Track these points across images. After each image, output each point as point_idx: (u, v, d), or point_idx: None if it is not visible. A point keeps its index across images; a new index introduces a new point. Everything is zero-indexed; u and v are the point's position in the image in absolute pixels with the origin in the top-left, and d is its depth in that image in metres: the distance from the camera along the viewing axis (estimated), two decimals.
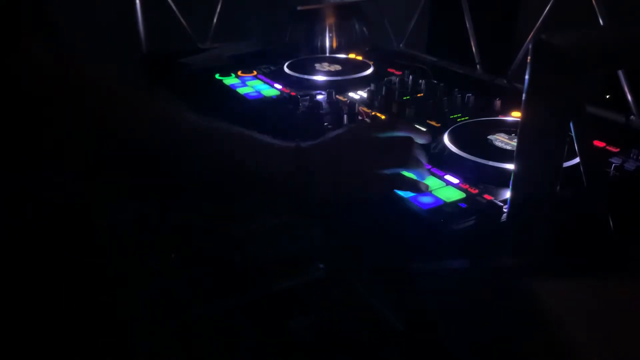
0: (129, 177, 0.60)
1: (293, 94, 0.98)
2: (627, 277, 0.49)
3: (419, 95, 0.98)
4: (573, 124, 0.46)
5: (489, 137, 0.74)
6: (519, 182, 0.48)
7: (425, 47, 1.97)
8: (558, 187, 0.47)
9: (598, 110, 0.92)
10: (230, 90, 1.03)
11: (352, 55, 1.26)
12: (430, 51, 1.40)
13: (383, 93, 0.96)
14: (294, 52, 1.26)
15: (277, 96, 0.99)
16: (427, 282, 0.51)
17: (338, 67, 1.11)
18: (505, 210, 0.58)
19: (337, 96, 0.96)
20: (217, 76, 1.10)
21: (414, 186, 0.61)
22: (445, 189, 0.64)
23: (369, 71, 1.08)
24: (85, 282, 0.85)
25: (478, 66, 1.22)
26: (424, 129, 0.74)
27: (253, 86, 1.04)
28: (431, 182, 0.65)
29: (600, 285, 0.48)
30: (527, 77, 0.45)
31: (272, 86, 1.04)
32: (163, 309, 1.46)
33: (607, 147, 0.74)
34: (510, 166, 0.63)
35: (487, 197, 0.61)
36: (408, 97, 0.96)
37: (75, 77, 0.54)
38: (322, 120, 0.85)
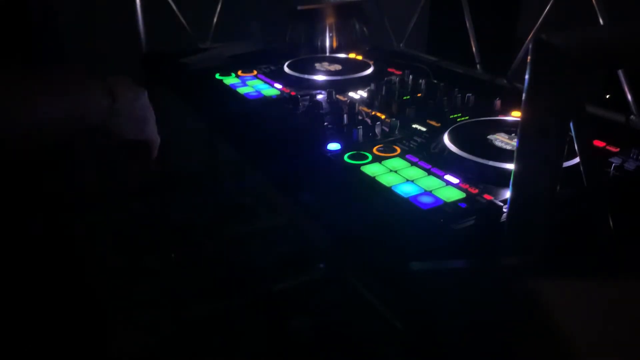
0: None
1: (293, 93, 0.98)
2: (627, 277, 0.49)
3: (419, 95, 0.98)
4: (573, 124, 0.46)
5: (489, 137, 0.74)
6: (519, 182, 0.48)
7: (425, 47, 1.97)
8: (558, 187, 0.47)
9: (598, 110, 0.92)
10: (230, 90, 1.03)
11: (352, 55, 1.26)
12: (430, 51, 1.40)
13: (383, 93, 0.96)
14: (294, 52, 1.26)
15: (277, 96, 0.99)
16: (427, 282, 0.51)
17: (338, 67, 1.11)
18: (505, 210, 0.58)
19: (337, 96, 0.96)
20: (217, 76, 1.10)
21: None
22: (445, 189, 0.64)
23: (369, 71, 1.08)
24: (83, 282, 0.85)
25: (478, 66, 1.22)
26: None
27: (253, 86, 1.04)
28: (431, 182, 0.65)
29: (600, 285, 0.48)
30: (527, 77, 0.45)
31: (272, 86, 1.04)
32: (163, 309, 1.47)
33: (607, 147, 0.74)
34: (510, 166, 0.63)
35: (487, 197, 0.61)
36: (408, 97, 0.96)
37: None
38: (322, 120, 0.85)
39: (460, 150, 0.70)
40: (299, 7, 1.28)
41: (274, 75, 1.10)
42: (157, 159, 0.80)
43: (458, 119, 0.86)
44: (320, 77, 1.04)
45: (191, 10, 1.39)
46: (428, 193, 0.63)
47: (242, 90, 1.02)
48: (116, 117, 0.73)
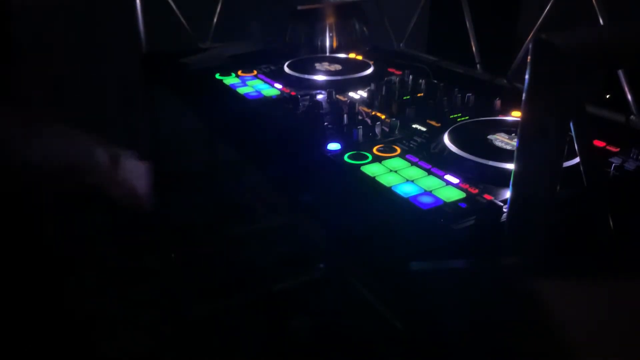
0: None
1: (293, 93, 0.98)
2: (627, 277, 0.48)
3: (419, 95, 0.98)
4: (573, 124, 0.46)
5: (489, 137, 0.74)
6: (519, 182, 0.48)
7: (425, 47, 1.97)
8: (558, 187, 0.47)
9: (598, 110, 0.92)
10: (230, 90, 1.03)
11: (352, 55, 1.26)
12: (430, 51, 1.40)
13: (383, 93, 0.96)
14: (294, 52, 1.26)
15: (277, 96, 0.99)
16: (427, 282, 0.51)
17: (338, 67, 1.11)
18: (505, 210, 0.58)
19: (337, 96, 0.96)
20: (217, 76, 1.10)
21: None
22: (445, 189, 0.64)
23: (369, 71, 1.08)
24: (83, 282, 0.85)
25: (478, 66, 1.22)
26: None
27: (253, 86, 1.04)
28: (431, 182, 0.65)
29: (600, 285, 0.48)
30: (527, 77, 0.45)
31: (272, 86, 1.04)
32: (163, 309, 1.47)
33: (607, 147, 0.74)
34: (510, 166, 0.63)
35: (487, 197, 0.61)
36: (408, 97, 0.96)
37: None
38: (322, 120, 0.85)
39: (460, 150, 0.70)
40: (299, 7, 1.28)
41: (274, 75, 1.10)
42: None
43: (458, 119, 0.86)
44: (320, 77, 1.04)
45: (191, 10, 1.40)
46: (428, 193, 0.63)
47: (242, 90, 1.02)
48: (116, 186, 0.75)
